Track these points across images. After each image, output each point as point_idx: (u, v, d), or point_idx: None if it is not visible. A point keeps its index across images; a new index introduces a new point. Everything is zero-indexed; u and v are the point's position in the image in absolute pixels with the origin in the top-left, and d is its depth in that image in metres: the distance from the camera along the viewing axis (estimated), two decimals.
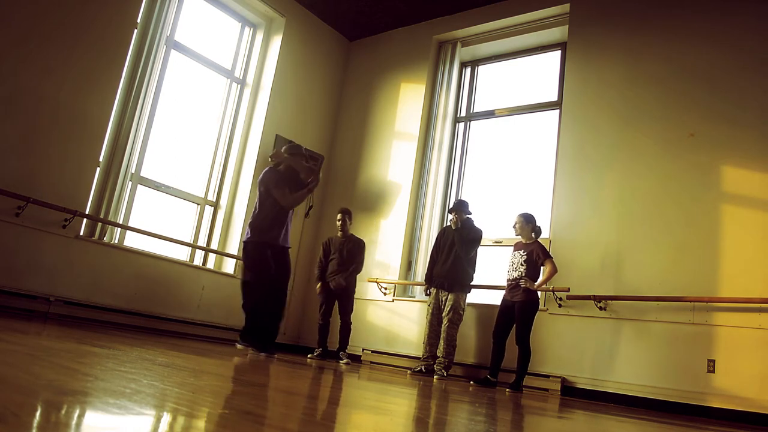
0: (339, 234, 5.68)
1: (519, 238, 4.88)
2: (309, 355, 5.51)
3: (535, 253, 4.67)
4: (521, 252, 4.74)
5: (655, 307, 4.59)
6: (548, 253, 4.71)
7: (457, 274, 5.04)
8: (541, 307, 5.22)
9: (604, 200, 5.12)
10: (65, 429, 0.83)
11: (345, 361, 5.36)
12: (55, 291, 4.69)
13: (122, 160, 5.21)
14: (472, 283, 5.16)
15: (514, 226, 4.84)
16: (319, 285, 5.59)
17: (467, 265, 5.10)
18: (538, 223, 4.82)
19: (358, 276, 5.73)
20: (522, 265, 4.66)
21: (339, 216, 5.67)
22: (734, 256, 4.40)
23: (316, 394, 2.22)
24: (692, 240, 4.60)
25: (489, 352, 4.79)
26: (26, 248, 4.57)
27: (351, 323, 5.54)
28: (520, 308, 4.59)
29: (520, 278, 4.61)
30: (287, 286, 4.50)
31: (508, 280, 4.74)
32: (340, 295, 5.52)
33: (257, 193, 4.53)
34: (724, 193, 4.60)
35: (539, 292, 4.72)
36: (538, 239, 4.80)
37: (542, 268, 4.66)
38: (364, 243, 5.75)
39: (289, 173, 4.52)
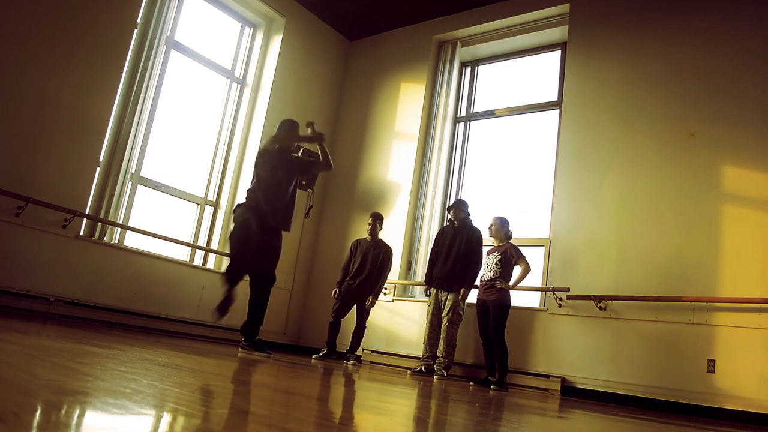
0: (368, 237, 5.68)
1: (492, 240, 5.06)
2: (314, 356, 5.45)
3: (509, 252, 4.82)
4: (495, 253, 4.88)
5: (655, 307, 4.59)
6: (521, 252, 4.84)
7: (457, 274, 5.04)
8: (540, 307, 5.26)
9: (604, 200, 5.12)
10: (65, 429, 0.83)
11: (352, 362, 5.34)
12: (55, 291, 4.69)
13: (122, 160, 5.21)
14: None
15: (489, 228, 5.00)
16: (335, 291, 5.58)
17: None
18: (511, 228, 5.00)
19: None
20: (497, 265, 4.80)
21: (370, 220, 5.69)
22: (734, 256, 4.40)
23: (316, 395, 2.22)
24: (692, 240, 4.60)
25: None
26: (26, 248, 4.56)
27: (365, 328, 5.54)
28: (494, 308, 4.69)
29: (495, 279, 4.74)
30: (269, 268, 4.29)
31: (482, 280, 4.87)
32: (358, 300, 5.52)
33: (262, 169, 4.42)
34: (724, 193, 4.60)
35: (511, 292, 4.79)
36: (510, 241, 4.95)
37: (516, 266, 4.82)
38: (391, 251, 5.70)
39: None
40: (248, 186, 4.52)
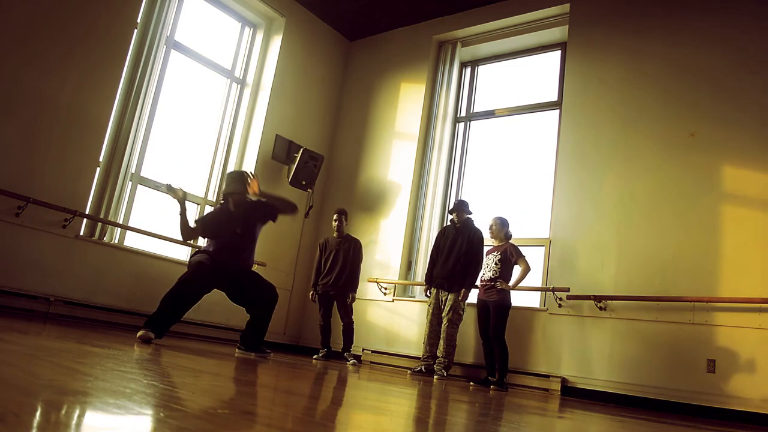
0: (335, 234, 5.70)
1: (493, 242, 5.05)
2: (314, 356, 5.52)
3: (509, 251, 4.82)
4: (495, 253, 4.88)
5: (655, 307, 4.59)
6: (521, 252, 4.84)
7: (457, 274, 5.04)
8: (540, 307, 5.26)
9: (604, 200, 5.12)
10: (65, 429, 0.83)
11: (352, 362, 5.37)
12: (55, 291, 4.69)
13: (122, 160, 5.21)
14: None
15: (490, 228, 4.99)
16: (311, 293, 5.65)
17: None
18: (510, 228, 4.99)
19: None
20: (496, 264, 4.80)
21: (335, 216, 5.71)
22: (734, 256, 4.40)
23: (316, 395, 2.22)
24: (692, 240, 4.60)
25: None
26: (26, 248, 4.56)
27: (353, 323, 5.55)
28: (495, 308, 4.69)
29: (495, 280, 4.74)
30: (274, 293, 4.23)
31: (483, 280, 4.87)
32: (337, 297, 5.53)
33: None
34: (724, 193, 4.60)
35: (512, 292, 4.79)
36: (509, 241, 4.95)
37: (515, 266, 4.82)
38: (360, 243, 5.77)
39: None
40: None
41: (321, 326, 5.60)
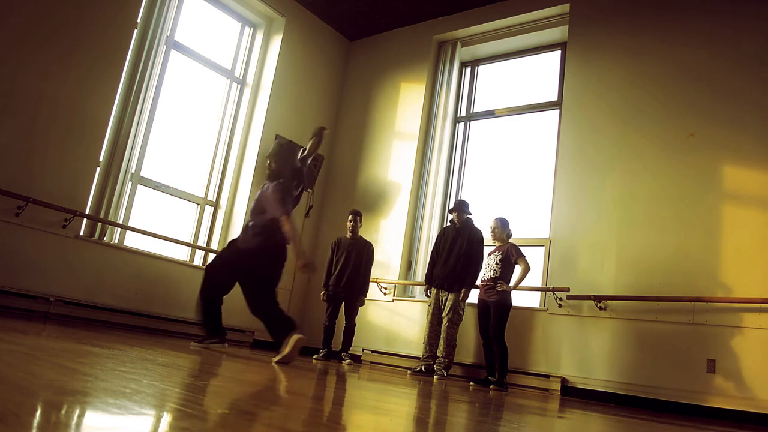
0: (348, 235, 5.69)
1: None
2: (315, 356, 5.52)
3: (509, 251, 4.83)
4: (496, 253, 4.90)
5: (655, 307, 4.59)
6: (521, 252, 4.85)
7: (458, 274, 5.04)
8: (540, 307, 5.26)
9: (604, 200, 5.12)
10: (65, 429, 0.83)
11: (348, 361, 5.37)
12: (55, 291, 4.69)
13: (122, 160, 5.21)
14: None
15: (492, 230, 5.00)
16: (322, 293, 5.61)
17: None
18: (510, 228, 5.00)
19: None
20: (497, 264, 4.81)
21: (350, 217, 5.70)
22: (734, 256, 4.40)
23: (316, 395, 2.22)
24: (692, 240, 4.60)
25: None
26: (26, 248, 4.56)
27: (355, 325, 5.56)
28: (495, 308, 4.70)
29: (496, 280, 4.74)
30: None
31: (483, 280, 4.87)
32: (346, 298, 5.53)
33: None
34: (724, 194, 4.60)
35: (512, 292, 4.79)
36: (510, 241, 4.97)
37: (516, 266, 4.83)
38: (372, 247, 5.75)
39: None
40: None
41: (325, 326, 5.56)
